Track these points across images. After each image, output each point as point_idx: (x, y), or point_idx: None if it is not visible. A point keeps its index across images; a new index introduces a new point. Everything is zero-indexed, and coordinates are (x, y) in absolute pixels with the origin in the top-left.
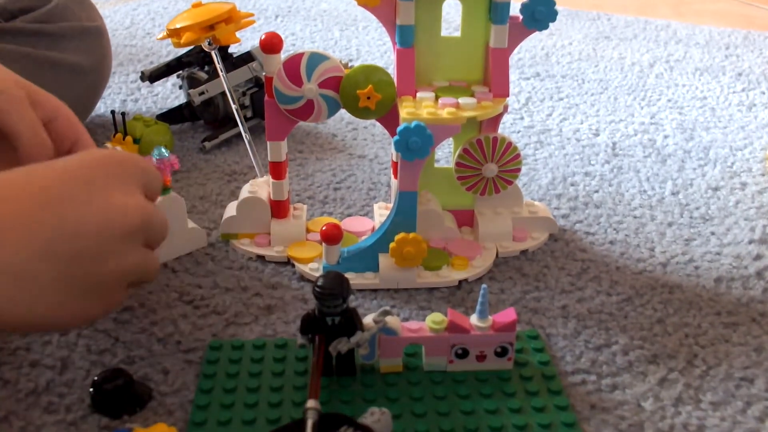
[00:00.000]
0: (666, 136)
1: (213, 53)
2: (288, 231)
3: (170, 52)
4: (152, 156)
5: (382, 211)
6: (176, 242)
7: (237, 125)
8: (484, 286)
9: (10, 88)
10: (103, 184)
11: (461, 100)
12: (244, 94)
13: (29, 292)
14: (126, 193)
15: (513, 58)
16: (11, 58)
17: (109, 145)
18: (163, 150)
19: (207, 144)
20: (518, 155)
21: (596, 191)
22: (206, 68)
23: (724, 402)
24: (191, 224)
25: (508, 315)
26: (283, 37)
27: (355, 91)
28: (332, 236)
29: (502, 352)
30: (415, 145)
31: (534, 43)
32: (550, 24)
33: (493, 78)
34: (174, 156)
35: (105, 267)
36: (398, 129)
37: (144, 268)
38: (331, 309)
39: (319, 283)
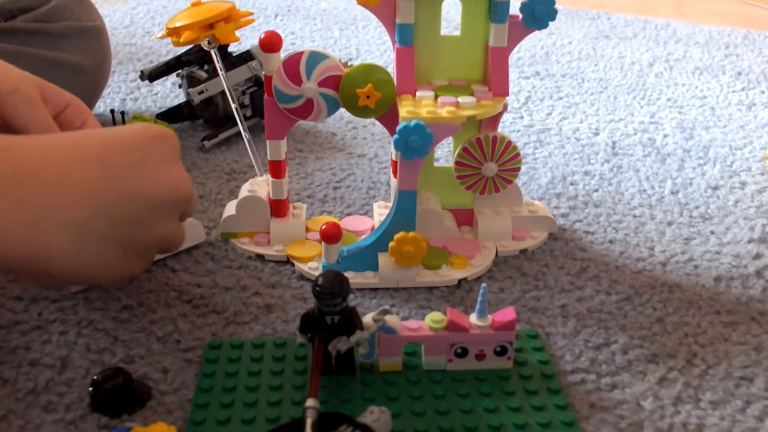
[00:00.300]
0: (666, 136)
1: (212, 52)
2: (287, 230)
3: (170, 51)
4: None
5: (381, 210)
6: None
7: (236, 124)
8: (483, 285)
9: (24, 86)
10: (157, 157)
11: (461, 99)
12: (243, 93)
13: (88, 248)
14: (175, 166)
15: (512, 57)
16: (11, 57)
17: None
18: None
19: (206, 143)
20: (518, 154)
21: (596, 190)
22: (206, 67)
23: (724, 401)
24: (189, 219)
25: (507, 314)
26: (282, 36)
27: (355, 90)
28: (332, 235)
29: (501, 351)
30: (414, 143)
31: (533, 42)
32: (550, 23)
33: (493, 77)
34: None
35: (151, 231)
36: (398, 128)
37: (177, 237)
38: (331, 308)
39: (319, 282)
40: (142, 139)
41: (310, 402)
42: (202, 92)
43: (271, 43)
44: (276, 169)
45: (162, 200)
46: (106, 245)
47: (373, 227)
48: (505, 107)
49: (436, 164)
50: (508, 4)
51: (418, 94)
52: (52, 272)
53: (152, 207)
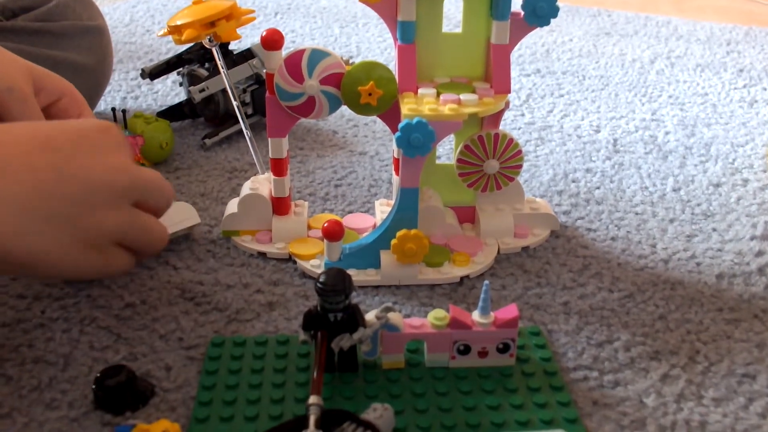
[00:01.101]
0: (667, 133)
1: (214, 50)
2: (289, 228)
3: (170, 49)
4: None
5: (383, 208)
6: (166, 220)
7: (238, 122)
8: (486, 282)
9: (18, 83)
10: (103, 146)
11: (463, 97)
12: (244, 91)
13: (32, 226)
14: (120, 155)
15: (514, 55)
16: None
17: None
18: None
19: (208, 141)
20: (519, 152)
21: (597, 188)
22: (207, 65)
23: (726, 398)
24: (177, 202)
25: (510, 311)
26: (283, 34)
27: (357, 88)
28: (334, 233)
29: (504, 349)
30: (416, 141)
31: (534, 39)
32: (551, 20)
33: (495, 74)
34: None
35: (98, 217)
36: (400, 125)
37: (138, 228)
38: (333, 305)
39: (322, 280)
40: (88, 129)
41: (313, 399)
42: (203, 90)
43: (272, 40)
44: (278, 167)
45: (104, 183)
46: (51, 224)
47: (374, 225)
48: (507, 104)
49: (437, 162)
50: (509, 1)
51: (419, 91)
52: None
53: (95, 188)
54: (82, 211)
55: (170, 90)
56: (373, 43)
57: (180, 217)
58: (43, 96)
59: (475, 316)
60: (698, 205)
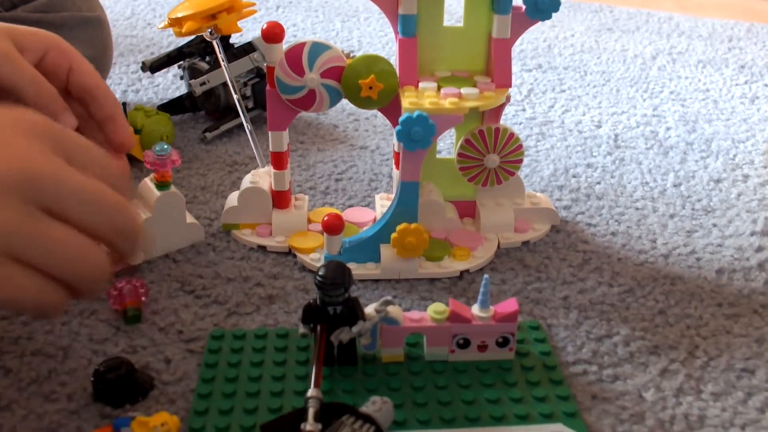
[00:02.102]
0: (668, 128)
1: (214, 43)
2: (289, 221)
3: (171, 42)
4: (153, 151)
5: (383, 202)
6: (174, 236)
7: (238, 116)
8: (485, 276)
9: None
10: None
11: (463, 90)
12: (245, 84)
13: None
14: (21, 144)
15: (515, 50)
16: None
17: None
18: (165, 146)
19: (208, 134)
20: (520, 146)
21: (598, 183)
22: (207, 58)
23: (725, 393)
24: (190, 219)
25: (509, 305)
26: (284, 27)
27: (357, 81)
28: (334, 227)
29: (503, 343)
30: (417, 134)
31: (536, 35)
32: (553, 15)
33: (496, 68)
34: (176, 152)
35: None
36: (400, 119)
37: (29, 239)
38: (333, 298)
39: (321, 273)
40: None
41: (312, 392)
42: (203, 83)
43: (273, 33)
44: (278, 161)
45: None
46: None
47: (375, 219)
48: (508, 99)
49: (438, 156)
50: None
51: (420, 85)
52: None
53: None
54: None
55: (171, 83)
56: (374, 37)
57: (188, 231)
58: (28, 54)
59: (475, 310)
60: (699, 200)
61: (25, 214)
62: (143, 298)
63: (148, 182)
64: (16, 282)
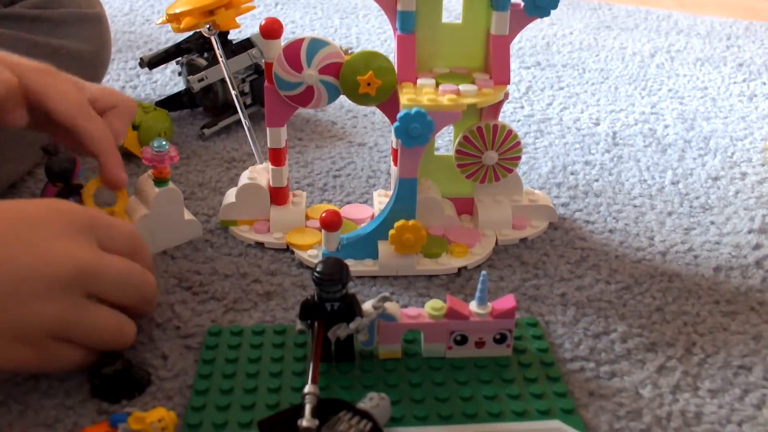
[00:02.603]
0: (666, 126)
1: (213, 39)
2: (287, 218)
3: (169, 38)
4: (151, 147)
5: (381, 199)
6: (172, 233)
7: (236, 112)
8: (483, 272)
9: (82, 101)
10: (50, 231)
11: (462, 87)
12: (243, 80)
13: None
14: (65, 241)
15: (514, 48)
16: (10, 43)
17: None
18: (163, 142)
19: (206, 131)
20: (518, 143)
21: (596, 180)
22: (205, 55)
23: (722, 390)
24: (188, 215)
25: (507, 302)
26: (282, 23)
27: (356, 78)
28: (332, 223)
29: (501, 339)
30: (415, 131)
31: (534, 32)
32: (552, 12)
33: (494, 65)
34: (174, 148)
35: (23, 310)
36: (399, 115)
37: (78, 324)
38: (331, 295)
39: (319, 269)
40: (33, 212)
41: (310, 388)
42: (201, 80)
43: (271, 29)
44: (276, 157)
45: (39, 273)
46: None
47: (373, 215)
48: (506, 96)
49: (436, 153)
50: None
51: (419, 81)
52: None
53: (26, 279)
54: (10, 303)
55: (169, 80)
56: (373, 34)
57: (186, 227)
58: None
59: (473, 306)
60: (696, 198)
61: (74, 305)
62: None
63: (147, 178)
64: (62, 357)
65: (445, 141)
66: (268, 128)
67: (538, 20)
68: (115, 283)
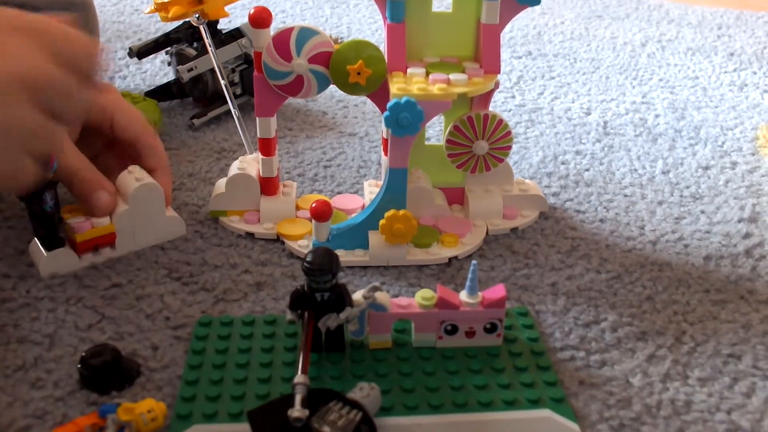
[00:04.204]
0: (657, 116)
1: (202, 28)
2: (277, 208)
3: (159, 28)
4: None
5: (372, 189)
6: (153, 230)
7: (226, 102)
8: (474, 262)
9: (143, 118)
10: (18, 42)
11: (452, 76)
12: (233, 70)
13: None
14: (36, 53)
15: (504, 37)
16: None
17: None
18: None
19: (196, 121)
20: (509, 133)
21: (587, 170)
22: (195, 45)
23: (712, 378)
24: (170, 212)
25: (497, 291)
26: (272, 14)
27: (345, 67)
28: (322, 213)
29: (491, 329)
30: (405, 120)
31: (526, 22)
32: (543, 1)
33: (484, 54)
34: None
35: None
36: (388, 105)
37: (40, 133)
38: (321, 285)
39: (309, 259)
40: (18, 26)
41: (300, 378)
42: (191, 70)
43: (260, 18)
44: (266, 147)
45: (7, 78)
46: None
47: (363, 205)
48: (497, 85)
49: (427, 142)
50: None
51: (409, 71)
52: None
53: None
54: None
55: (158, 70)
56: (363, 24)
57: (167, 224)
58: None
59: (463, 296)
60: (687, 187)
61: (37, 116)
62: None
63: (127, 174)
64: (23, 166)
65: (436, 131)
66: (257, 118)
67: (529, 9)
68: (59, 94)
